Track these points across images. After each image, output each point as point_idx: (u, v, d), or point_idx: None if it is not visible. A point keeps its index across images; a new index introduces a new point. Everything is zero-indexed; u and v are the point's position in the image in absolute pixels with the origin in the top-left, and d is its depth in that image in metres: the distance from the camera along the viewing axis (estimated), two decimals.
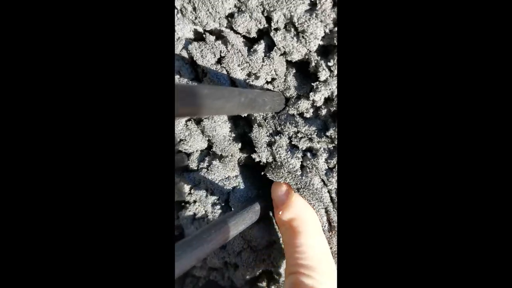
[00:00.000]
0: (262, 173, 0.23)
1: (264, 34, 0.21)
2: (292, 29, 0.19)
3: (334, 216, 0.21)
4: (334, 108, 0.19)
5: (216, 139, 0.23)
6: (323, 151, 0.20)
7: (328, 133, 0.19)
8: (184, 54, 0.22)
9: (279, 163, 0.21)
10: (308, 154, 0.21)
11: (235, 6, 0.20)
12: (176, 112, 0.12)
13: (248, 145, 0.24)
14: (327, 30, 0.18)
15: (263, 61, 0.20)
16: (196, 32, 0.22)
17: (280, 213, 0.21)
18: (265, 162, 0.22)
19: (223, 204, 0.25)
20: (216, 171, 0.24)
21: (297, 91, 0.20)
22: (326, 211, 0.21)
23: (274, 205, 0.23)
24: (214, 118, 0.23)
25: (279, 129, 0.21)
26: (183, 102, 0.12)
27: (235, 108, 0.15)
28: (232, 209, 0.25)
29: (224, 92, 0.14)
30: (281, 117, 0.21)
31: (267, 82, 0.21)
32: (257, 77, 0.21)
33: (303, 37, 0.19)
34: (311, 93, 0.19)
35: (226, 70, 0.21)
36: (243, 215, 0.20)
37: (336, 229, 0.21)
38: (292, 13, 0.18)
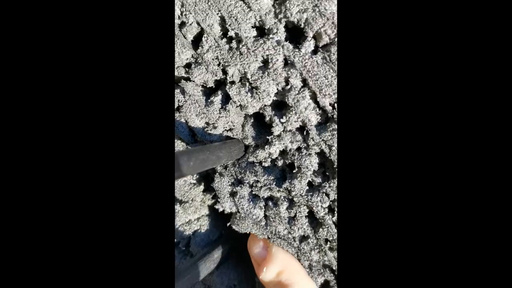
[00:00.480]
0: (228, 224, 0.22)
1: (222, 84, 0.21)
2: (247, 84, 0.19)
3: (310, 257, 0.21)
4: (290, 161, 0.19)
5: (176, 185, 0.23)
6: (283, 199, 0.20)
7: (284, 185, 0.19)
8: None
9: (242, 215, 0.21)
10: (270, 203, 0.21)
11: (192, 56, 0.20)
12: None
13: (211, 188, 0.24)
14: (279, 88, 0.18)
15: (220, 113, 0.20)
16: None
17: (265, 269, 0.20)
18: (229, 211, 0.22)
19: (183, 249, 0.25)
20: (176, 215, 0.24)
21: (255, 140, 0.20)
22: (297, 255, 0.21)
23: (254, 263, 0.21)
24: None
25: (239, 177, 0.21)
26: None
27: (187, 171, 0.15)
28: (193, 254, 0.24)
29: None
30: (241, 164, 0.21)
31: (226, 130, 0.21)
32: (215, 127, 0.21)
33: (256, 93, 0.19)
34: (266, 146, 0.19)
35: (185, 119, 0.21)
36: (198, 267, 0.20)
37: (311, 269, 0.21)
38: (245, 70, 0.18)
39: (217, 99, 0.20)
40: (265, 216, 0.21)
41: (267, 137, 0.19)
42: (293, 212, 0.20)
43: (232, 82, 0.19)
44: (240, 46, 0.18)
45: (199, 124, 0.21)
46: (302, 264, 0.21)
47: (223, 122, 0.20)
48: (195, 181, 0.23)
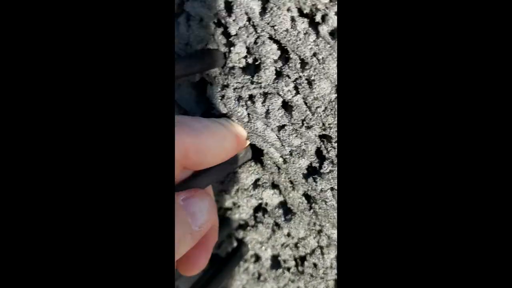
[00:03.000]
0: None
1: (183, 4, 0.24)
2: None
3: (282, 151, 0.24)
4: (254, 55, 0.22)
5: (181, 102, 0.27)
6: (259, 96, 0.23)
7: (255, 79, 0.22)
8: None
9: (229, 113, 0.25)
10: (249, 102, 0.24)
11: None
12: None
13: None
14: None
15: (188, 31, 0.23)
16: None
17: None
18: (221, 113, 0.26)
19: None
20: None
21: (226, 46, 0.23)
22: (276, 149, 0.25)
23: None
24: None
25: (225, 83, 0.25)
26: None
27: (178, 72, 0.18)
28: None
29: None
30: (225, 71, 0.24)
31: (203, 45, 0.24)
32: (191, 46, 0.24)
33: (207, 3, 0.21)
34: (231, 48, 0.22)
35: None
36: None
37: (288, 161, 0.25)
38: None
39: (181, 19, 0.23)
40: (248, 114, 0.24)
41: (229, 39, 0.22)
42: (267, 105, 0.23)
43: None
44: None
45: (180, 48, 0.24)
46: (282, 152, 0.24)
47: (194, 38, 0.23)
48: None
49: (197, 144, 0.20)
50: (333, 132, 0.21)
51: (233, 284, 0.35)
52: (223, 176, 0.27)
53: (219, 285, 0.28)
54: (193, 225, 0.18)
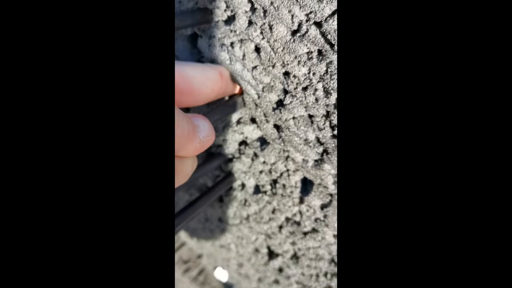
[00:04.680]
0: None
1: None
2: None
3: (256, 88, 0.31)
4: (230, 9, 0.28)
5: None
6: (237, 42, 0.29)
7: (231, 28, 0.28)
8: None
9: (215, 59, 0.31)
10: (229, 48, 0.30)
11: None
12: None
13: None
14: None
15: None
16: None
17: None
18: (209, 60, 0.32)
19: None
20: None
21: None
22: (251, 86, 0.31)
23: None
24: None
25: (212, 34, 0.31)
26: None
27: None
28: None
29: None
30: (212, 24, 0.30)
31: (194, 4, 0.30)
32: (183, 4, 0.30)
33: None
34: (213, 2, 0.28)
35: None
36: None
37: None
38: None
39: None
40: (230, 58, 0.31)
41: None
42: (242, 49, 0.29)
43: None
44: None
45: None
46: (256, 88, 0.30)
47: None
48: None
49: (184, 77, 0.26)
50: (290, 68, 0.27)
51: (225, 212, 0.42)
52: (223, 116, 0.33)
53: (210, 201, 0.35)
54: (200, 134, 0.24)
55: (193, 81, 0.26)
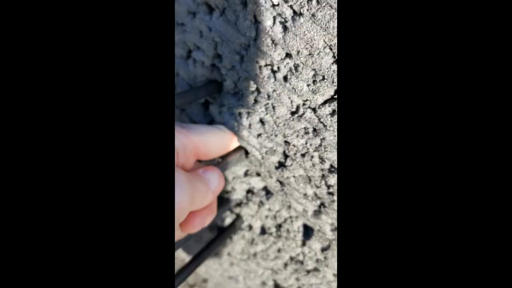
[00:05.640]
0: None
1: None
2: None
3: (260, 151, 0.35)
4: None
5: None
6: (244, 113, 0.34)
7: (240, 102, 0.34)
8: None
9: (225, 125, 0.36)
10: (237, 117, 0.35)
11: None
12: None
13: None
14: None
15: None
16: None
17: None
18: (219, 123, 0.37)
19: None
20: None
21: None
22: (256, 149, 0.36)
23: None
24: None
25: (222, 103, 0.36)
26: None
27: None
28: None
29: None
30: (221, 95, 0.35)
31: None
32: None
33: None
34: (224, 81, 0.33)
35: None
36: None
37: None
38: None
39: (190, 61, 0.34)
40: (237, 125, 0.36)
41: (222, 76, 0.33)
42: (249, 120, 0.34)
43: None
44: None
45: (190, 80, 0.35)
46: (261, 151, 0.35)
47: (199, 74, 0.34)
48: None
49: (203, 140, 0.31)
50: (290, 139, 0.32)
51: (234, 248, 0.46)
52: (228, 169, 0.37)
53: (221, 244, 0.39)
54: (210, 186, 0.29)
55: (212, 146, 0.31)
